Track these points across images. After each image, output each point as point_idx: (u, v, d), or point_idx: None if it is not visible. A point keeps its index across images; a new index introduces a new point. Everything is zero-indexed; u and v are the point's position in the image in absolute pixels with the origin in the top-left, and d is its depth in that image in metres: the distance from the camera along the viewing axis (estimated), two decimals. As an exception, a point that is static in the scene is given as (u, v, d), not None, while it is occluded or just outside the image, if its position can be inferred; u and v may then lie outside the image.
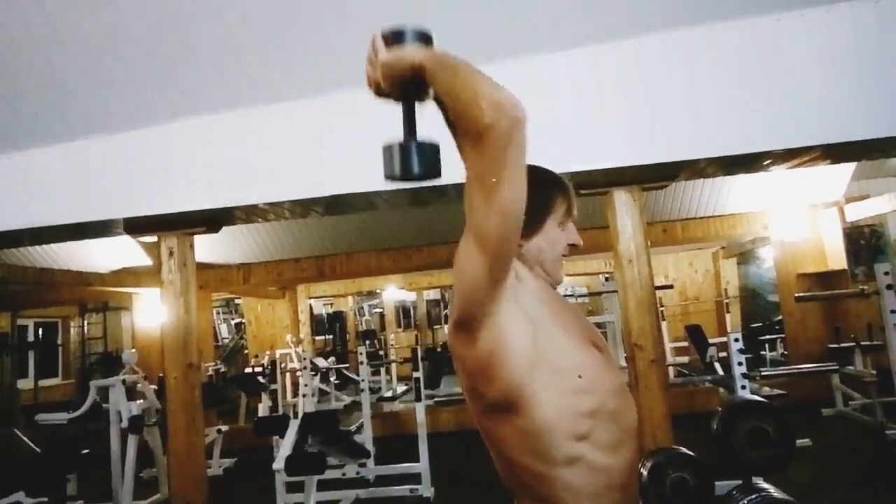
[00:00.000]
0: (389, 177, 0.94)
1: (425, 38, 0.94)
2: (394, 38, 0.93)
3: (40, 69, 3.00)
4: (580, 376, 0.98)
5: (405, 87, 0.94)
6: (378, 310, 14.58)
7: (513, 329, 0.96)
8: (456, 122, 0.88)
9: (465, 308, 0.96)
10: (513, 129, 0.83)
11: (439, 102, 0.97)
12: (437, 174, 0.96)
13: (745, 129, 3.06)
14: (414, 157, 0.94)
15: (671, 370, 7.59)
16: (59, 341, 10.58)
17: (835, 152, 3.35)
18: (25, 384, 9.17)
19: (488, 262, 0.91)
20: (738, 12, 3.04)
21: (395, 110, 0.98)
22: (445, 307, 14.42)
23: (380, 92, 0.96)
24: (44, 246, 6.05)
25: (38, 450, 4.48)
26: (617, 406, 1.01)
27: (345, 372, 9.20)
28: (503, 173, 0.86)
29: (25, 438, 4.56)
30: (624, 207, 3.42)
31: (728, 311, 9.46)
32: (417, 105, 0.98)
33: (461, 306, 0.97)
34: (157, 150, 3.43)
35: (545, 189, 1.10)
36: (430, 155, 0.95)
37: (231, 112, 3.36)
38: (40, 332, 10.16)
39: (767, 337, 8.72)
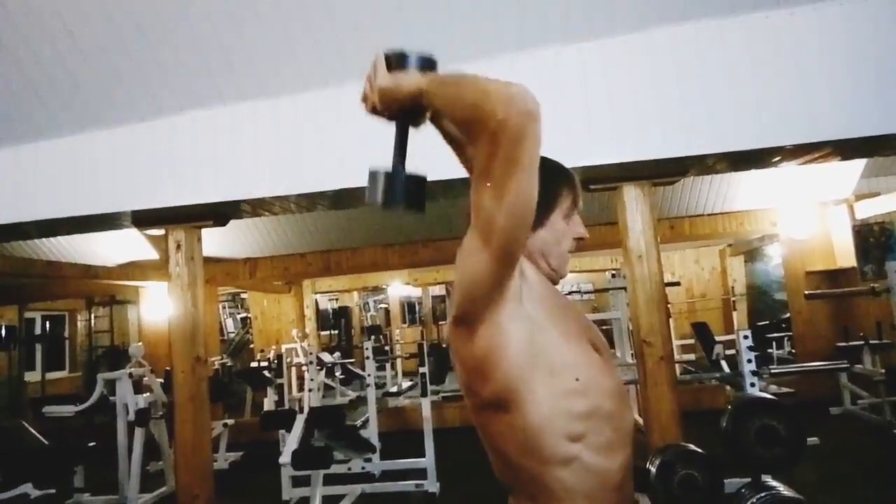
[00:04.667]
0: (371, 203, 0.90)
1: (429, 64, 0.92)
2: (396, 61, 0.91)
3: (47, 61, 3.00)
4: (577, 379, 0.96)
5: (401, 112, 0.92)
6: (383, 305, 14.56)
7: (511, 328, 0.94)
8: (465, 127, 0.85)
9: (466, 305, 0.94)
10: (527, 122, 0.80)
11: (439, 124, 0.94)
12: (421, 208, 0.93)
13: (756, 124, 3.03)
14: (400, 186, 0.91)
15: (677, 367, 7.55)
16: (66, 334, 10.61)
17: (846, 149, 3.31)
18: (33, 377, 9.23)
19: (494, 260, 0.89)
20: (752, 6, 3.01)
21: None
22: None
23: (375, 111, 0.94)
24: (51, 239, 6.06)
25: (45, 442, 4.50)
26: (613, 408, 0.99)
27: (350, 367, 9.20)
28: (516, 170, 0.82)
29: (33, 430, 4.58)
30: (634, 203, 3.39)
31: (735, 309, 9.42)
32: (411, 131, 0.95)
33: (462, 303, 0.94)
34: (164, 143, 3.42)
35: (551, 180, 1.05)
36: (417, 187, 0.92)
37: (239, 105, 3.35)
38: (47, 325, 10.19)
39: (774, 335, 8.69)
